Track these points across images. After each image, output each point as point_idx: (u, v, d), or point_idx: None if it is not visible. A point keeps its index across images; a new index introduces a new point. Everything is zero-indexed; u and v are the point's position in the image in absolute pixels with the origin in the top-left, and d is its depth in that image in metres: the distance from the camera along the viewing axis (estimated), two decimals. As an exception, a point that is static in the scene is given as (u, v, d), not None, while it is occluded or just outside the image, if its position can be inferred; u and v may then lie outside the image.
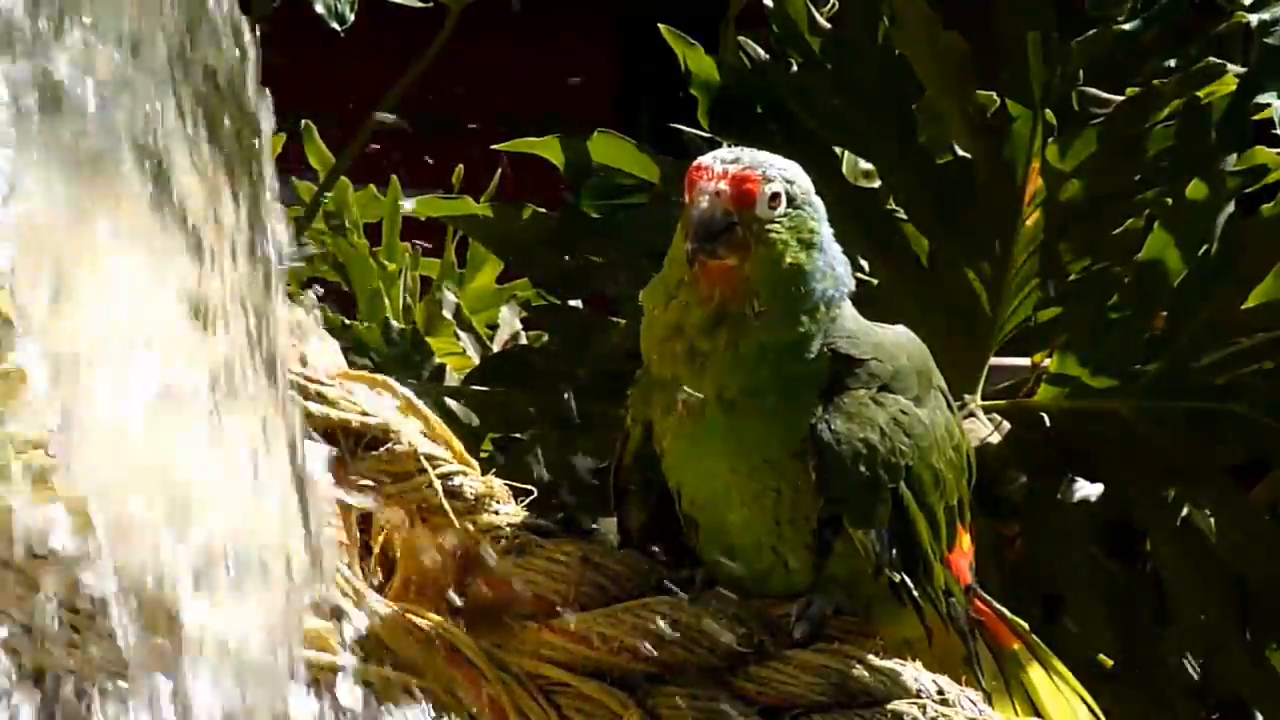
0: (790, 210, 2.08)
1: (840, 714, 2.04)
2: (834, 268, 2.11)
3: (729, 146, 2.18)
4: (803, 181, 2.11)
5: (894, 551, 2.10)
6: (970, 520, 2.25)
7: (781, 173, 2.09)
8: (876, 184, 3.36)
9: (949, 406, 2.19)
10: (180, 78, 1.83)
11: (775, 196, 2.07)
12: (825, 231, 2.12)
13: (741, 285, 2.06)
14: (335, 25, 3.67)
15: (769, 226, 2.06)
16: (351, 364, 2.23)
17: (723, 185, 2.06)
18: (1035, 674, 2.26)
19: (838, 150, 3.32)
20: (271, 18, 3.68)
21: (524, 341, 3.95)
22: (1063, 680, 2.27)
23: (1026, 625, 2.30)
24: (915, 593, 2.11)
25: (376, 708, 2.02)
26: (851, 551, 2.10)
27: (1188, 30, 3.26)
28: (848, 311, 2.13)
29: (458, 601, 2.12)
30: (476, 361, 3.76)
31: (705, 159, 2.09)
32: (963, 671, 2.17)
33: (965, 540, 2.23)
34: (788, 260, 2.07)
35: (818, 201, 2.12)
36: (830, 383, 2.09)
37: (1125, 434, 3.21)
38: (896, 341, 2.16)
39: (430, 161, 4.64)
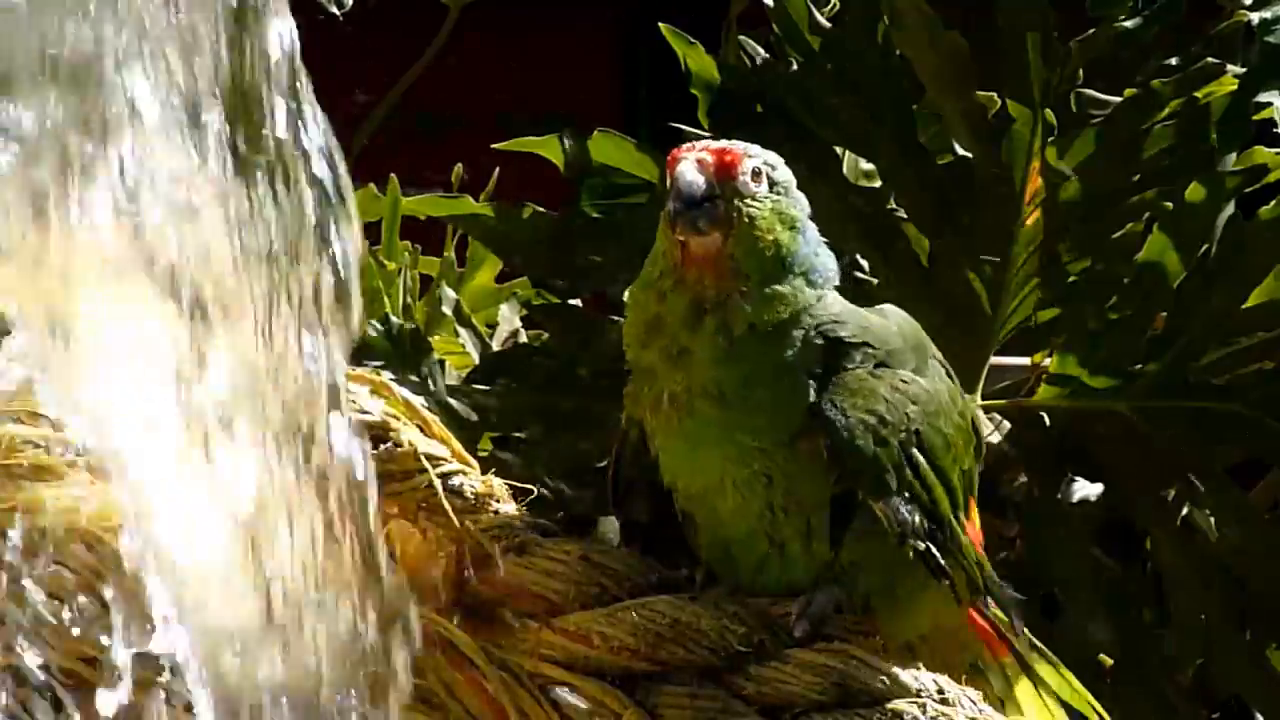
0: (771, 192, 2.08)
1: (840, 713, 2.04)
2: (819, 254, 2.11)
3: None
4: (784, 170, 2.12)
5: (916, 520, 2.10)
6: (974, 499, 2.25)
7: (762, 154, 2.10)
8: (877, 184, 3.36)
9: (949, 375, 2.19)
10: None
11: (756, 172, 2.08)
12: (809, 223, 2.12)
13: (726, 266, 2.06)
14: (334, 9, 3.67)
15: (750, 201, 2.07)
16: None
17: (705, 155, 2.06)
18: (1023, 690, 2.26)
19: (838, 150, 3.32)
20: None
21: (524, 340, 3.95)
22: (1052, 696, 2.26)
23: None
24: (943, 561, 2.11)
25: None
26: (868, 535, 2.09)
27: (1188, 29, 3.26)
28: (834, 298, 2.13)
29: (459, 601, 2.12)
30: (476, 360, 3.76)
31: (684, 145, 2.10)
32: (966, 674, 2.17)
33: (975, 514, 2.23)
34: (771, 237, 2.07)
35: (800, 195, 2.13)
36: (824, 367, 2.09)
37: (1125, 434, 3.21)
38: (886, 323, 2.16)
39: (430, 161, 4.64)
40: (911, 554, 2.11)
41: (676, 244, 2.06)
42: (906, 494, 2.09)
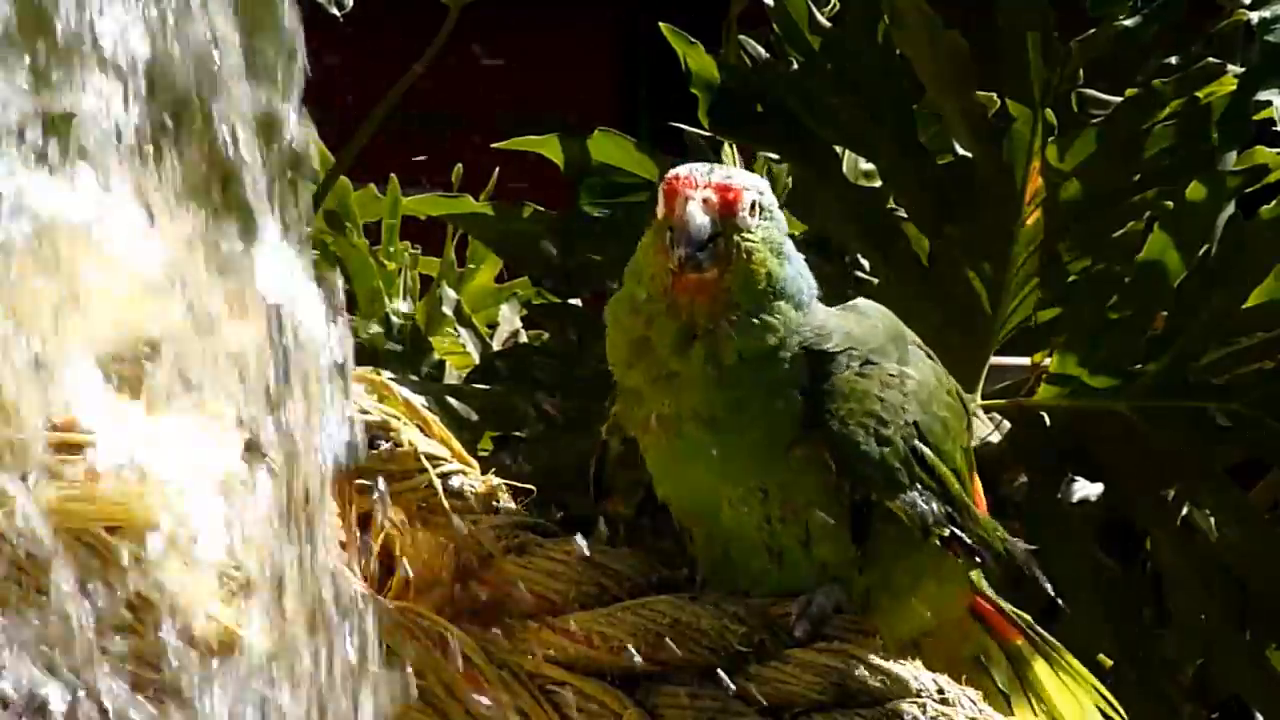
0: (761, 219, 2.09)
1: (840, 713, 2.04)
2: (801, 274, 2.12)
3: (698, 162, 2.19)
4: (769, 193, 2.12)
5: (934, 508, 2.10)
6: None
7: (755, 183, 2.10)
8: (877, 184, 3.36)
9: (929, 356, 2.20)
10: None
11: (753, 205, 2.08)
12: (788, 242, 2.13)
13: (720, 297, 2.06)
14: (335, 11, 3.67)
15: (747, 236, 2.07)
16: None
17: (709, 194, 2.06)
18: (1041, 670, 2.27)
19: (838, 150, 3.32)
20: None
21: (524, 340, 3.95)
22: (1069, 675, 2.28)
23: (1029, 618, 2.30)
24: (969, 541, 2.12)
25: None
26: (891, 530, 2.10)
27: (1188, 29, 3.26)
28: (816, 307, 2.13)
29: (458, 601, 2.12)
30: (477, 360, 3.76)
31: (680, 170, 2.09)
32: (971, 668, 2.18)
33: (977, 484, 2.24)
34: (764, 269, 2.07)
35: (781, 215, 2.13)
36: (811, 376, 2.10)
37: (1125, 434, 3.21)
38: (867, 321, 2.16)
39: (430, 161, 4.63)
40: (938, 542, 2.11)
41: (668, 271, 2.05)
42: (919, 486, 2.10)
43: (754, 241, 2.07)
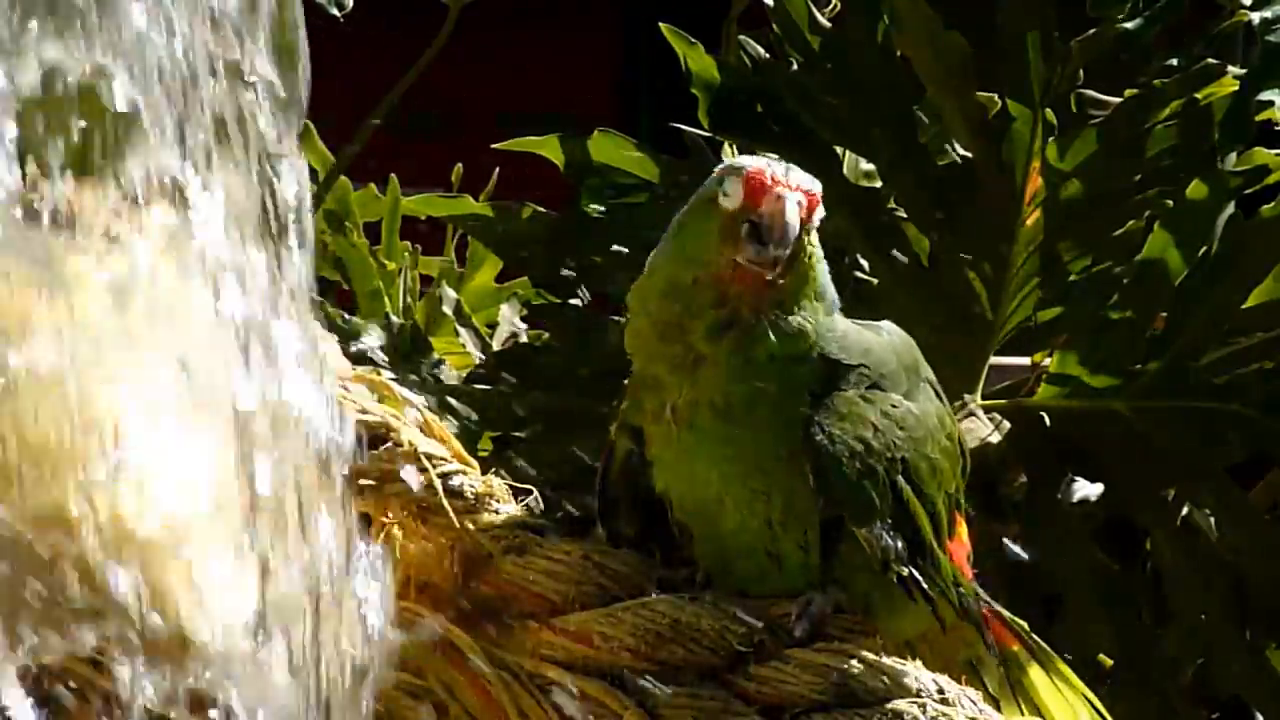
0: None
1: (840, 713, 2.04)
2: (829, 274, 2.12)
3: (750, 154, 2.18)
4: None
5: (899, 545, 2.10)
6: (965, 514, 2.25)
7: (817, 184, 2.10)
8: (877, 184, 3.37)
9: (938, 396, 2.20)
10: None
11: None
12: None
13: (772, 294, 2.05)
14: (335, 11, 3.67)
15: (811, 240, 2.08)
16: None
17: (801, 197, 2.05)
18: (1036, 676, 2.26)
19: (838, 150, 3.32)
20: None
21: (524, 340, 3.95)
22: (1064, 682, 2.27)
23: (1025, 625, 2.30)
24: (925, 585, 2.12)
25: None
26: (856, 551, 2.10)
27: (1188, 29, 3.26)
28: (839, 318, 2.13)
29: (458, 601, 2.12)
30: (477, 359, 3.76)
31: (758, 163, 2.07)
32: (964, 672, 2.17)
33: (962, 529, 2.23)
34: (814, 272, 2.08)
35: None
36: (820, 386, 2.10)
37: (1125, 434, 3.21)
38: (884, 343, 2.16)
39: (430, 161, 4.64)
40: (895, 579, 2.11)
41: (731, 262, 2.05)
42: (890, 521, 2.10)
43: (815, 245, 2.07)
